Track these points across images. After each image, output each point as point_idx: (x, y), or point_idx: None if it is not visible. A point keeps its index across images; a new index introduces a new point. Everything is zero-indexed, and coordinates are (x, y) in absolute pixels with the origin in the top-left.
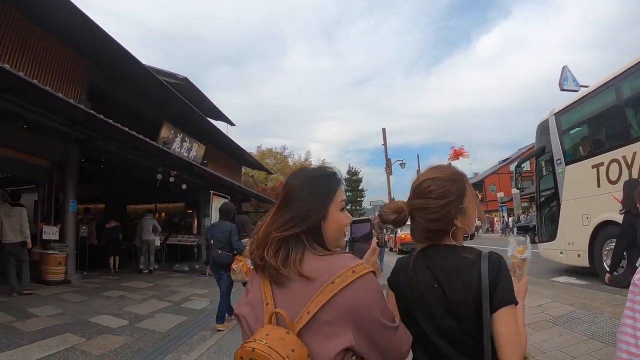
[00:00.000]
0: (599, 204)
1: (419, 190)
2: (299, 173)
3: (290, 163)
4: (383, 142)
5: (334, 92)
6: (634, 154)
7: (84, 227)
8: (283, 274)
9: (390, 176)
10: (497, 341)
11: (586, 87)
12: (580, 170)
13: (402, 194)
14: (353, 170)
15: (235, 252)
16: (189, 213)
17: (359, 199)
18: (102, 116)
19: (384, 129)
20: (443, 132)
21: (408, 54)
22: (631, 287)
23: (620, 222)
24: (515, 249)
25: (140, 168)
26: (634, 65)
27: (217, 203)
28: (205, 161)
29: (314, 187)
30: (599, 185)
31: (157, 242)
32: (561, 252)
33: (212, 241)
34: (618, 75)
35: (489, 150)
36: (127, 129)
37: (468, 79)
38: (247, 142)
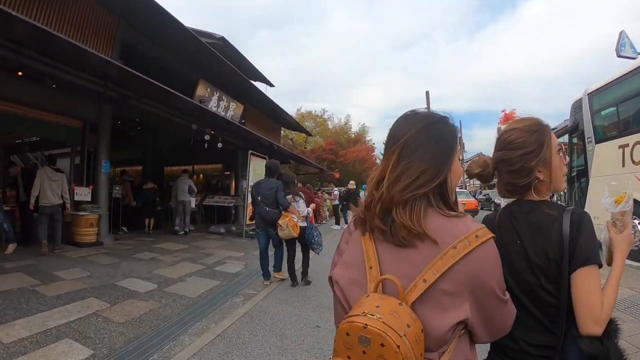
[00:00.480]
0: (622, 182)
1: (499, 142)
2: (411, 119)
3: (330, 126)
4: (426, 106)
5: (375, 57)
6: None
7: (117, 188)
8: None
9: None
10: (574, 303)
11: None
12: (608, 150)
13: None
14: None
15: (281, 208)
16: (226, 175)
17: None
18: (134, 71)
19: (427, 92)
20: (486, 99)
21: (451, 18)
22: None
23: None
24: (612, 198)
25: (175, 127)
26: None
27: (255, 164)
28: (243, 121)
29: (439, 134)
30: (623, 165)
31: (193, 204)
32: None
33: (258, 198)
34: None
35: None
36: (160, 84)
37: (513, 47)
38: (286, 106)
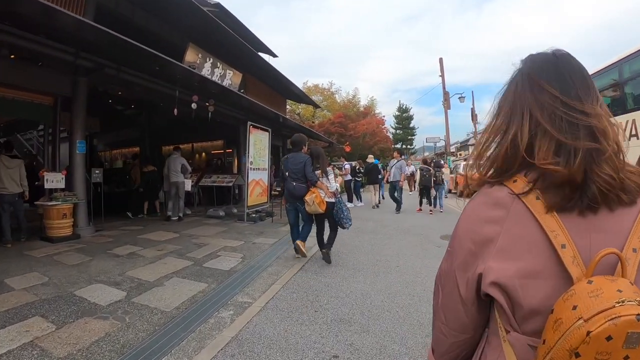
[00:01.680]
0: None
1: None
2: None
3: (338, 100)
4: (440, 74)
5: (383, 29)
6: (627, 121)
7: (97, 172)
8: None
9: (448, 111)
10: None
11: None
12: None
13: (457, 134)
14: (404, 107)
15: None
16: (228, 152)
17: (409, 137)
18: (110, 30)
19: (440, 59)
20: (495, 71)
21: None
22: None
23: None
24: None
25: (164, 99)
26: (632, 53)
27: (255, 136)
28: (242, 91)
29: None
30: None
31: (188, 185)
32: None
33: (287, 173)
34: (621, 59)
35: None
36: (139, 44)
37: (523, 18)
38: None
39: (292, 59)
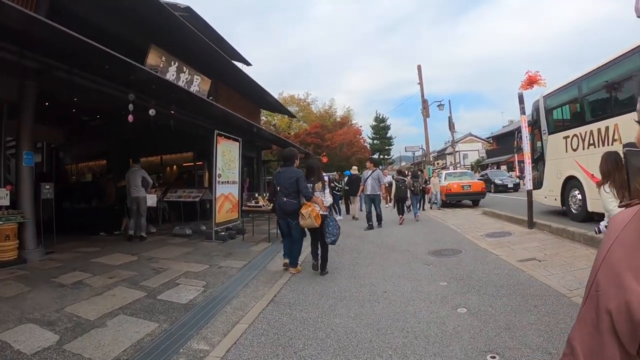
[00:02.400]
0: (566, 164)
1: None
2: None
3: (314, 110)
4: (419, 82)
5: (360, 42)
6: (585, 132)
7: (47, 187)
8: None
9: (426, 120)
10: None
11: None
12: (556, 140)
13: (433, 144)
14: (380, 117)
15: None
16: (199, 165)
17: (387, 147)
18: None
19: (419, 66)
20: (471, 81)
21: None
22: None
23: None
24: None
25: (123, 106)
26: (589, 72)
27: (223, 147)
28: (211, 98)
29: None
30: (566, 151)
31: (153, 200)
32: (545, 197)
33: (278, 188)
34: (580, 77)
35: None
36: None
37: (497, 28)
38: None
39: (267, 70)
